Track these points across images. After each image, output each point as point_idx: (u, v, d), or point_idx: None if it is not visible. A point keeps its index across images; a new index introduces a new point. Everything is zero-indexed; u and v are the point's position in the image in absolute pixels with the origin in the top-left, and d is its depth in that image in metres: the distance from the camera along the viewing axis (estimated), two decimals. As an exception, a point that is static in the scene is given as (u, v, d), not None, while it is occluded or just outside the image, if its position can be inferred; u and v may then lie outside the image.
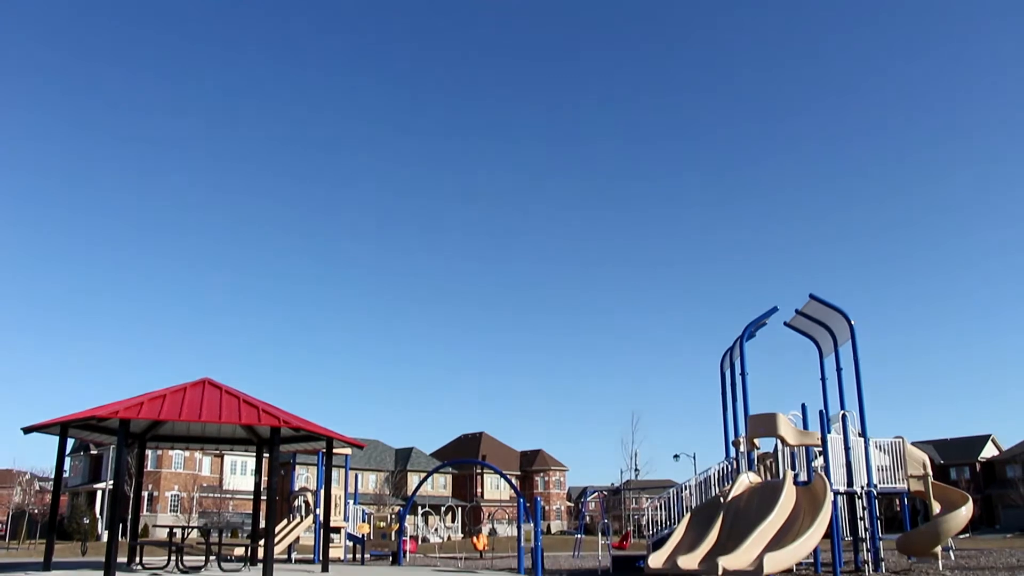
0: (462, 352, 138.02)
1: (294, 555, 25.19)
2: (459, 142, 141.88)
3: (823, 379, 20.72)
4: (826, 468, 16.60)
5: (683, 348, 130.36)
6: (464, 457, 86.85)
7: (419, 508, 61.99)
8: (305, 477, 60.94)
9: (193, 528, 18.12)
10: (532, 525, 19.58)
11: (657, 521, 19.29)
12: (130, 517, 19.76)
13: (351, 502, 27.13)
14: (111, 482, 60.76)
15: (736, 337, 20.21)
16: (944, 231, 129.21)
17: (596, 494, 76.23)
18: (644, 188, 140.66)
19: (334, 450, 18.53)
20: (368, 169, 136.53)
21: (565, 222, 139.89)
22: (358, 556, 26.04)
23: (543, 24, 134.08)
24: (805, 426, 18.18)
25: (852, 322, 18.70)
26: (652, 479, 67.04)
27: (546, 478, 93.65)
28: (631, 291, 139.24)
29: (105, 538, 26.23)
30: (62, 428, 15.72)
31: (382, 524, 29.30)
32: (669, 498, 19.30)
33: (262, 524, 17.74)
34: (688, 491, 19.16)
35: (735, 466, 19.07)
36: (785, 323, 21.56)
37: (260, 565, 15.57)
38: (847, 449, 17.14)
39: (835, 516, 16.18)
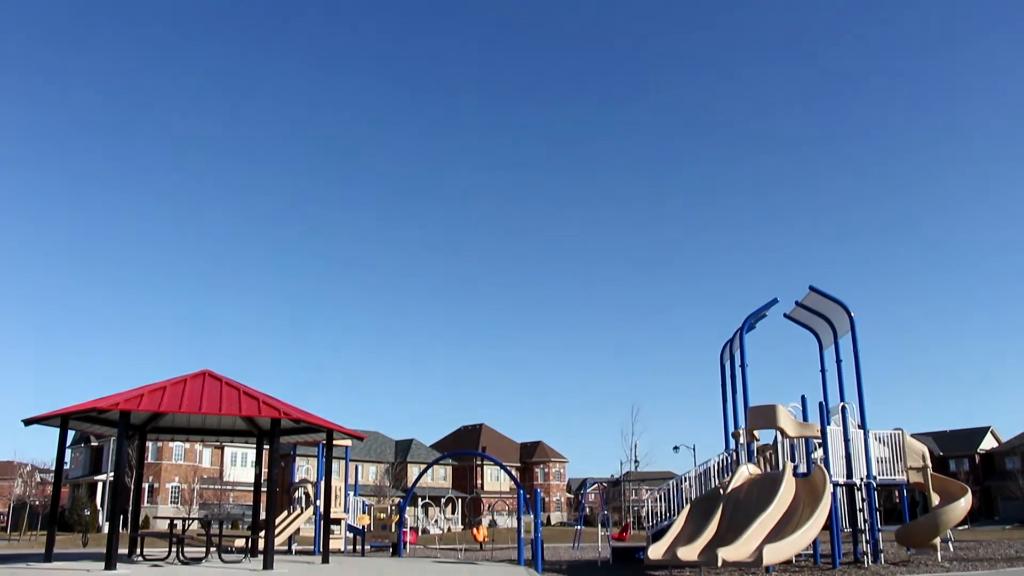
0: (462, 344, 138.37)
1: (294, 546, 25.25)
2: (459, 140, 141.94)
3: (823, 371, 20.73)
4: (825, 460, 16.62)
5: (683, 340, 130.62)
6: (464, 449, 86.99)
7: (419, 500, 62.10)
8: (305, 469, 61.06)
9: (194, 520, 18.16)
10: (532, 517, 19.61)
11: (657, 512, 19.32)
12: (131, 509, 19.79)
13: (351, 494, 27.18)
14: (112, 474, 60.82)
15: (736, 329, 20.21)
16: (944, 225, 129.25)
17: (596, 486, 76.43)
18: (644, 184, 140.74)
19: (334, 442, 18.55)
20: (368, 166, 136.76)
21: (565, 220, 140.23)
22: (358, 547, 26.11)
23: (543, 23, 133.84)
24: (805, 418, 18.20)
25: (852, 314, 18.69)
26: (652, 471, 67.04)
27: (546, 470, 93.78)
28: (631, 283, 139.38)
29: (106, 529, 26.28)
30: (63, 420, 15.74)
31: (382, 516, 29.40)
32: (669, 490, 19.33)
33: (263, 515, 17.78)
34: (688, 483, 19.18)
35: (735, 458, 19.09)
36: (785, 315, 21.56)
37: (261, 556, 15.60)
38: (846, 441, 17.15)
39: (834, 507, 16.20)
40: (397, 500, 44.92)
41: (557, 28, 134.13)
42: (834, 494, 16.09)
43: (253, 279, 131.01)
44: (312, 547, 24.96)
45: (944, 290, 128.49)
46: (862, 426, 17.95)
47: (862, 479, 17.15)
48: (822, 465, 16.29)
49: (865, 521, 16.88)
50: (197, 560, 16.01)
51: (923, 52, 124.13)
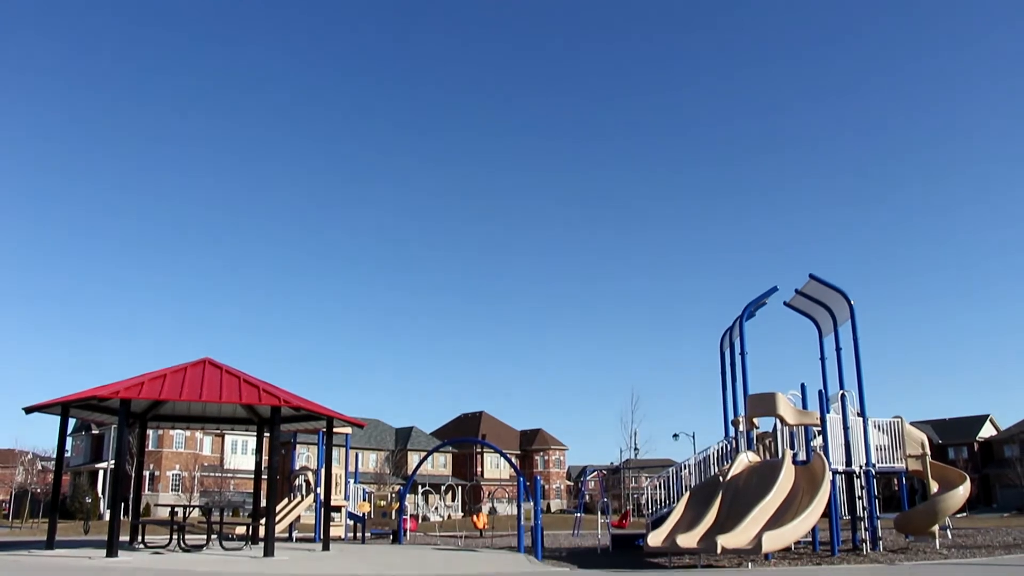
0: (462, 332, 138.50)
1: (295, 534, 25.34)
2: (459, 139, 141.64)
3: (822, 359, 20.74)
4: (825, 447, 16.64)
5: (683, 327, 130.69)
6: (464, 436, 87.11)
7: (419, 487, 62.23)
8: (306, 456, 61.12)
9: (194, 507, 18.20)
10: (532, 504, 19.66)
11: (656, 500, 19.37)
12: (132, 496, 19.82)
13: (351, 481, 27.25)
14: (113, 462, 60.98)
15: (736, 317, 20.20)
16: (943, 213, 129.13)
17: (596, 473, 76.61)
18: (644, 183, 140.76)
19: (334, 429, 18.58)
20: (368, 164, 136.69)
21: (565, 216, 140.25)
22: (359, 535, 26.20)
23: (542, 23, 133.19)
24: (804, 406, 18.21)
25: (852, 302, 18.68)
26: (651, 458, 67.22)
27: (546, 457, 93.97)
28: (630, 271, 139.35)
29: (107, 517, 26.25)
30: (63, 408, 15.76)
31: (382, 503, 29.46)
32: (668, 477, 19.37)
33: (263, 503, 17.83)
34: (687, 470, 19.23)
35: (734, 445, 19.12)
36: (785, 303, 21.55)
37: (261, 544, 15.65)
38: (846, 429, 17.17)
39: (833, 495, 16.24)
40: (397, 487, 45.05)
41: (556, 28, 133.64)
42: (833, 482, 16.13)
43: (252, 268, 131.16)
44: (313, 534, 25.05)
45: (943, 272, 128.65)
46: (861, 414, 17.97)
47: (861, 467, 17.17)
48: (821, 453, 16.31)
49: (864, 509, 16.92)
50: (198, 547, 16.06)
51: (923, 52, 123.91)
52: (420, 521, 48.58)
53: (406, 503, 25.04)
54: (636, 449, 57.35)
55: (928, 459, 18.99)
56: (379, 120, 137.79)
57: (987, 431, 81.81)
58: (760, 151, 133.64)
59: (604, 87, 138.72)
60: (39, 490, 63.31)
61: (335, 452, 28.18)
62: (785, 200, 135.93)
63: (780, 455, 16.88)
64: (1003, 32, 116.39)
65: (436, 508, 69.51)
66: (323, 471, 22.88)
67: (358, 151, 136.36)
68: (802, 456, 17.62)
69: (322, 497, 21.05)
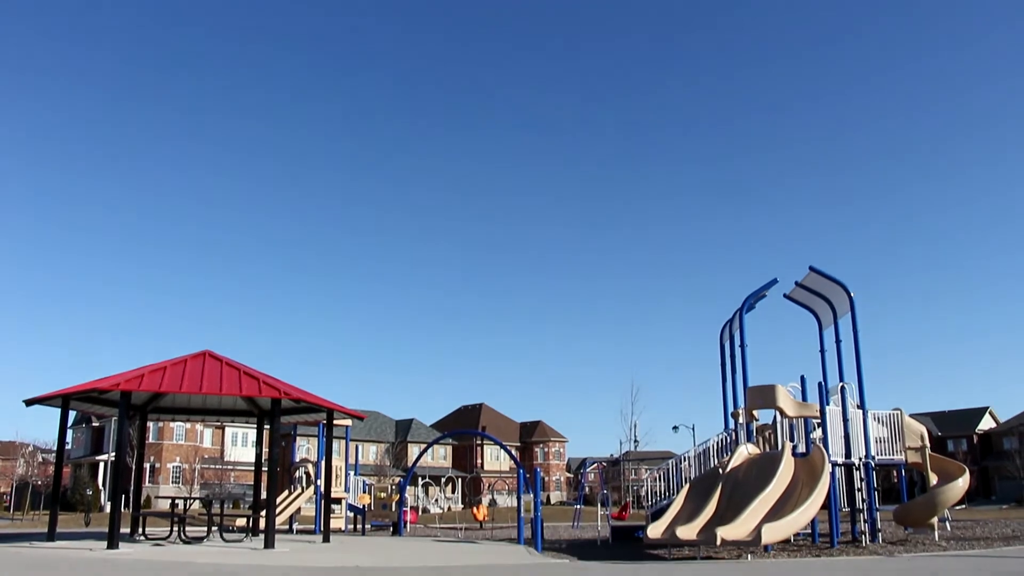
0: (462, 324, 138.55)
1: (295, 526, 25.37)
2: (459, 139, 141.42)
3: (822, 351, 20.71)
4: (824, 440, 16.65)
5: (682, 320, 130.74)
6: (464, 428, 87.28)
7: (419, 479, 62.35)
8: (306, 448, 61.27)
9: (195, 499, 18.26)
10: (532, 496, 19.69)
11: (656, 492, 19.39)
12: (132, 488, 19.87)
13: (352, 473, 27.27)
14: (113, 454, 61.07)
15: (736, 309, 20.18)
16: (943, 206, 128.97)
17: (595, 465, 76.82)
18: (643, 181, 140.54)
19: (335, 421, 18.60)
20: (369, 161, 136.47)
21: (565, 212, 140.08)
22: (359, 527, 26.24)
23: (542, 23, 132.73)
24: (804, 398, 18.21)
25: (852, 294, 18.65)
26: (651, 450, 67.36)
27: (546, 449, 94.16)
28: (631, 264, 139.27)
29: (108, 509, 26.38)
30: (64, 400, 15.77)
31: (383, 495, 29.50)
32: (668, 469, 19.38)
33: (263, 495, 17.86)
34: (687, 462, 19.24)
35: (734, 437, 19.13)
36: (785, 295, 21.52)
37: (262, 535, 15.69)
38: (845, 421, 17.17)
39: (833, 487, 16.25)
40: (397, 479, 45.11)
41: (557, 27, 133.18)
42: (832, 474, 16.13)
43: (252, 266, 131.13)
44: (313, 526, 25.12)
45: (943, 265, 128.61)
46: (861, 406, 17.96)
47: (860, 459, 17.18)
48: (821, 445, 16.32)
49: (863, 500, 16.93)
50: (199, 539, 16.09)
51: (923, 52, 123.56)
52: (420, 513, 48.69)
53: (406, 495, 25.08)
54: (636, 441, 57.38)
55: (927, 451, 18.99)
56: (379, 120, 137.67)
57: (986, 423, 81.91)
58: (760, 150, 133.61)
59: (604, 86, 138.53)
60: (40, 482, 63.44)
61: (335, 444, 28.16)
62: (785, 199, 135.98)
63: (780, 447, 16.88)
64: (1003, 32, 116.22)
65: (436, 500, 69.64)
66: (323, 463, 22.90)
67: (358, 151, 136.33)
68: (802, 448, 17.61)
69: (322, 489, 21.07)
